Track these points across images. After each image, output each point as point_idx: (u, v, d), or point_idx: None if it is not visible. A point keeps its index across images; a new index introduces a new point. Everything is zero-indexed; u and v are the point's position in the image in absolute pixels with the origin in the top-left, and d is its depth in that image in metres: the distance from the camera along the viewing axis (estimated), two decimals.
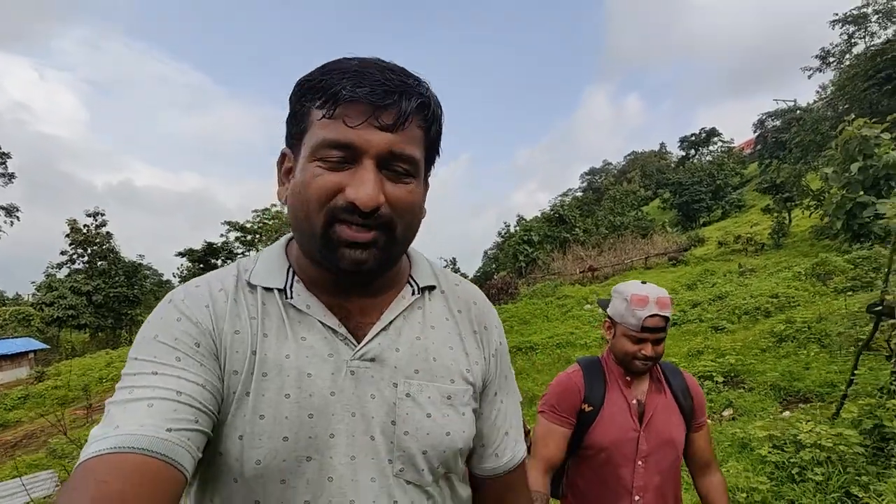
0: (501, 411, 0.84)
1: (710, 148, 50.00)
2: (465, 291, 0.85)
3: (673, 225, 42.53)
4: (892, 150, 11.22)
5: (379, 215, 0.64)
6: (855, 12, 26.90)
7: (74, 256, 33.11)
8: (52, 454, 7.34)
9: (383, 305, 0.74)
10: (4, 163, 38.80)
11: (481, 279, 41.35)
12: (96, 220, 33.48)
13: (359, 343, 0.70)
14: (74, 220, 32.71)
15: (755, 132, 45.16)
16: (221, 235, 39.80)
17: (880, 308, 3.98)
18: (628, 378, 1.54)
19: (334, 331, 0.69)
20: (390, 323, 0.73)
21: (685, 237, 25.28)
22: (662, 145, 73.80)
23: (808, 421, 3.68)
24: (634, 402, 1.52)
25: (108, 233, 33.88)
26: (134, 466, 0.51)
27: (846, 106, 21.07)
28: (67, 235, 32.56)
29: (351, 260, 0.65)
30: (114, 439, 0.53)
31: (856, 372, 4.22)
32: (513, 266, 28.71)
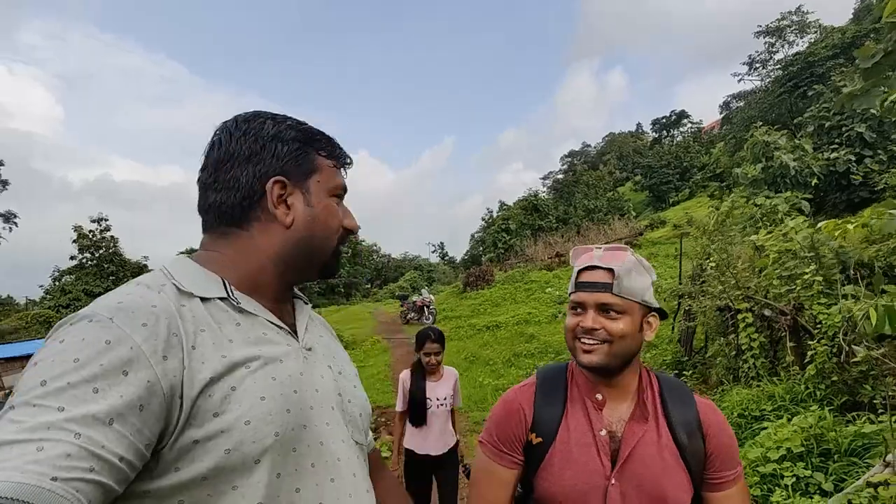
0: None
1: (681, 129, 52.52)
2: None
3: (644, 206, 45.06)
4: (786, 154, 13.80)
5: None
6: (774, 25, 29.87)
7: (84, 261, 35.25)
8: None
9: (292, 309, 0.91)
10: None
11: (469, 262, 43.78)
12: (101, 226, 35.53)
13: (293, 336, 0.85)
14: (80, 226, 34.75)
15: (721, 113, 47.80)
16: None
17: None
18: (599, 396, 1.06)
19: (280, 327, 0.82)
20: (306, 323, 0.91)
21: (646, 221, 27.96)
22: (639, 125, 76.01)
23: None
24: (604, 432, 1.03)
25: (112, 237, 35.98)
26: None
27: (770, 106, 23.88)
28: (74, 241, 34.63)
29: (337, 269, 0.94)
30: None
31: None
32: (493, 252, 31.36)
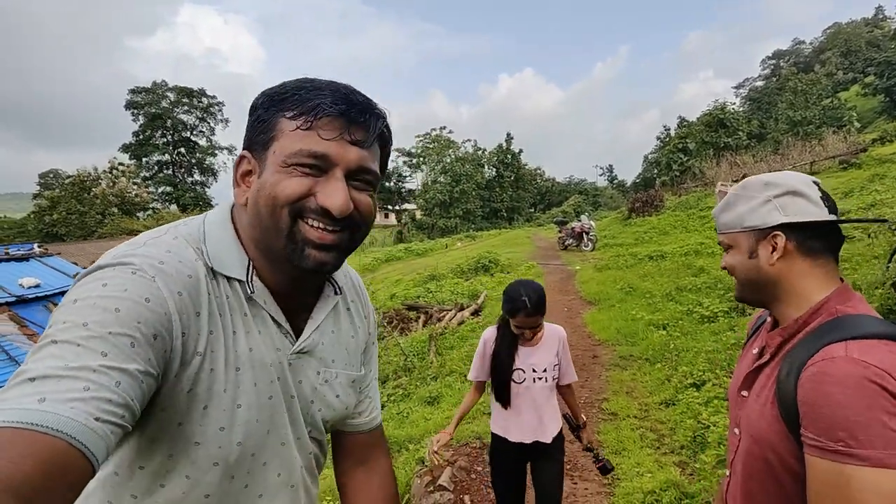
0: (372, 384, 1.03)
1: None
2: (349, 276, 0.97)
3: (876, 114, 36.54)
4: None
5: (348, 218, 0.72)
6: None
7: None
8: None
9: (315, 302, 0.86)
10: (221, 110, 47.90)
11: (640, 186, 40.55)
12: None
13: (296, 337, 0.82)
14: None
15: None
16: (392, 161, 45.28)
17: None
18: (767, 318, 1.10)
19: (280, 325, 0.80)
20: (321, 320, 0.85)
21: (874, 134, 22.46)
22: (879, 10, 59.80)
23: None
24: (755, 351, 1.06)
25: None
26: (51, 452, 0.47)
27: None
28: None
29: (315, 261, 0.72)
30: (38, 414, 0.49)
31: None
32: (667, 175, 28.37)
